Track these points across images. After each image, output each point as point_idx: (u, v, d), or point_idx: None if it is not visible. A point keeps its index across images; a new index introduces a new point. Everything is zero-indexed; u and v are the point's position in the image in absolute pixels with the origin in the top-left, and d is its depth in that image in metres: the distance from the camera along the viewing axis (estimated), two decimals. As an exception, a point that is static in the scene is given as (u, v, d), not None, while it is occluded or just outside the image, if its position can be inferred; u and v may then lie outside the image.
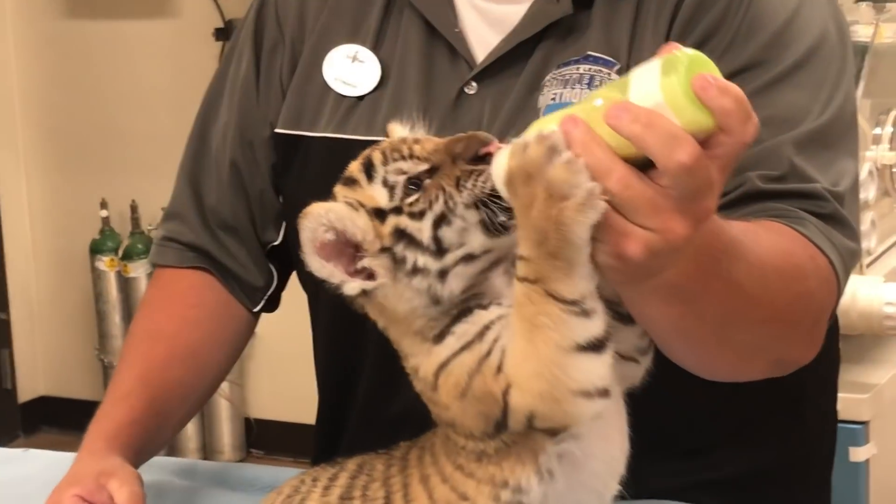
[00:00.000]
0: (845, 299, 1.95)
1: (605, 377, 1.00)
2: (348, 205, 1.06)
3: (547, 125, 0.98)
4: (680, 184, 0.96)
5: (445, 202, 1.03)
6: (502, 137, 1.04)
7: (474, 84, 1.42)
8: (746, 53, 1.33)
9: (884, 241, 2.71)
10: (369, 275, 1.05)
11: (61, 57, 4.61)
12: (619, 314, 1.08)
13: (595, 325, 0.99)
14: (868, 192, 2.55)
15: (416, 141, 1.08)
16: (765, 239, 1.17)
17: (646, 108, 0.95)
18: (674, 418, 1.38)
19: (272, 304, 1.60)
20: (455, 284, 1.04)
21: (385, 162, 1.07)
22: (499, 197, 1.00)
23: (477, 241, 1.04)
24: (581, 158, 0.95)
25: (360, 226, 1.05)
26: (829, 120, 1.33)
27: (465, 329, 1.04)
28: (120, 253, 4.40)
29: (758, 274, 1.13)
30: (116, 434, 1.40)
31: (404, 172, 1.06)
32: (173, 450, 4.17)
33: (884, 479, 2.49)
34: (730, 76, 0.97)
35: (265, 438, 4.46)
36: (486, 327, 1.04)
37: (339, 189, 1.08)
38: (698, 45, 0.98)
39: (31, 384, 4.80)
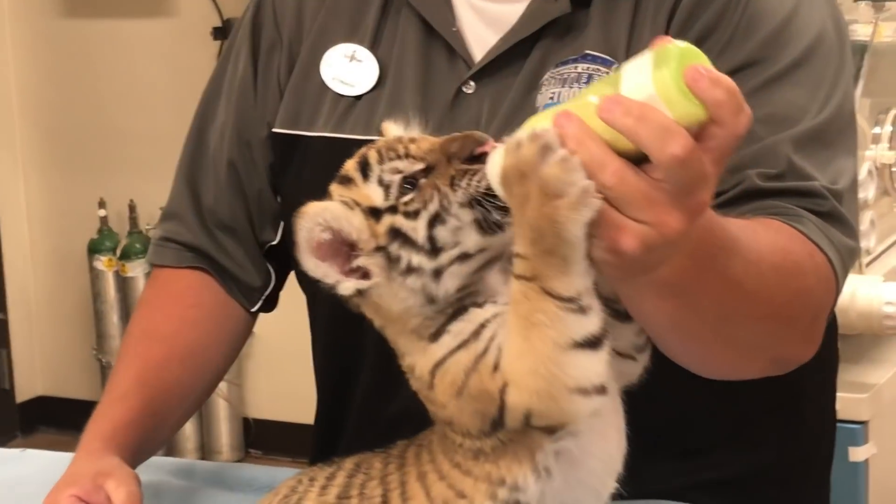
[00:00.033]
0: (844, 299, 1.95)
1: (601, 374, 1.00)
2: (344, 203, 1.06)
3: (540, 123, 0.97)
4: (674, 176, 0.95)
5: (440, 201, 1.03)
6: (500, 137, 1.04)
7: (472, 83, 1.42)
8: (745, 51, 1.33)
9: (883, 240, 2.70)
10: (364, 274, 1.05)
11: (59, 56, 4.60)
12: (617, 311, 1.08)
13: (592, 322, 0.99)
14: (867, 192, 2.55)
15: (412, 140, 1.08)
16: (763, 236, 1.17)
17: (638, 101, 0.95)
18: (673, 418, 1.38)
19: (270, 304, 1.60)
20: (450, 283, 1.04)
21: (381, 161, 1.07)
22: (494, 196, 1.00)
23: (472, 240, 1.03)
24: (575, 155, 0.95)
25: (355, 225, 1.04)
26: (827, 118, 1.33)
27: (460, 327, 1.04)
28: (118, 253, 4.40)
29: (755, 270, 1.13)
30: (114, 434, 1.40)
31: (400, 171, 1.06)
32: (171, 450, 4.16)
33: (883, 478, 2.49)
34: (728, 74, 0.97)
35: (263, 438, 4.46)
36: (482, 325, 1.03)
37: (335, 187, 1.08)
38: (696, 44, 0.98)
39: (28, 384, 4.79)
